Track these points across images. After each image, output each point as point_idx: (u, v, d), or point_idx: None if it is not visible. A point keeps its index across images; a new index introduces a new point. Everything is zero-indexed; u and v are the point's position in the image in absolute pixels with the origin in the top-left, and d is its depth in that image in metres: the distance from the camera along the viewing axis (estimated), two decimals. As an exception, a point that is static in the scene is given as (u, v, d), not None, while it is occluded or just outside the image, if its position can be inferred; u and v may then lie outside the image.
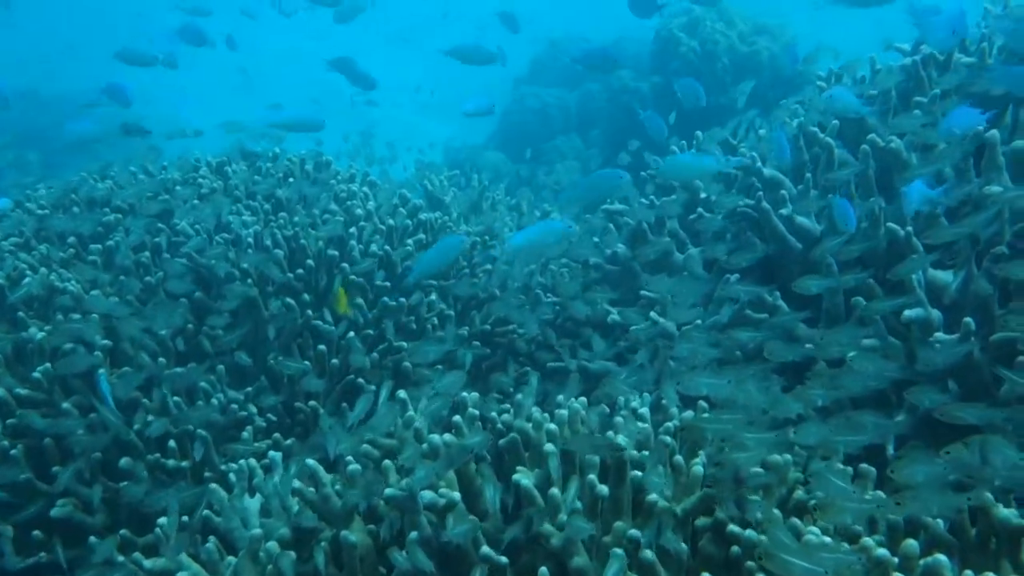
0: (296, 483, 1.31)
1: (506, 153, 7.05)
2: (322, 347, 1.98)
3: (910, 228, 1.66)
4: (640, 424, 1.32)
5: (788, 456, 1.31)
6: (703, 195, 2.14)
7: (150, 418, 1.78)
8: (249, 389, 1.96)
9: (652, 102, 5.21)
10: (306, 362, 1.96)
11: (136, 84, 3.28)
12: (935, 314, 1.58)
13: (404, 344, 2.03)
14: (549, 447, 1.24)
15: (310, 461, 1.33)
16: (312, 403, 1.93)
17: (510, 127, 7.37)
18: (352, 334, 2.04)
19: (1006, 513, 1.08)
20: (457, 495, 1.21)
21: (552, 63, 7.88)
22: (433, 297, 2.19)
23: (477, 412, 1.40)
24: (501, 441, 1.31)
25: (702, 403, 1.44)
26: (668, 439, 1.29)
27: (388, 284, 2.17)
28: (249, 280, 2.03)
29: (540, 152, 6.63)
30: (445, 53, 3.21)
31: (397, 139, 10.14)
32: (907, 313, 1.56)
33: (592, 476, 1.17)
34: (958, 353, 1.38)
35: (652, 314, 1.89)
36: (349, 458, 1.33)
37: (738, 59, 5.00)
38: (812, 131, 1.96)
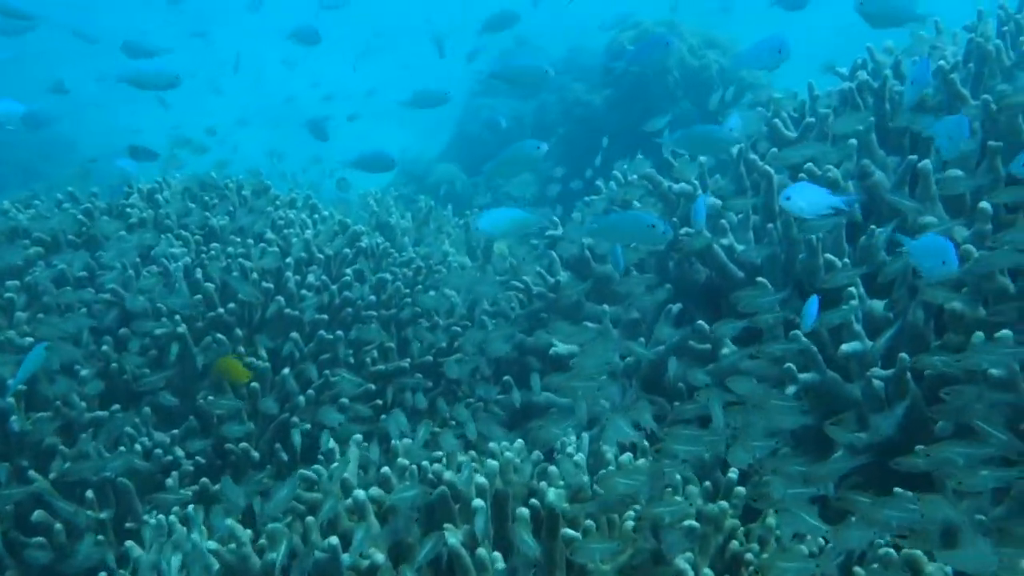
0: (212, 544, 1.24)
1: (461, 164, 7.00)
2: (255, 384, 1.91)
3: (847, 260, 1.65)
4: (575, 475, 1.28)
5: (724, 504, 1.28)
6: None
7: (67, 465, 1.69)
8: (176, 431, 1.88)
9: (604, 115, 5.21)
10: (239, 400, 1.88)
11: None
12: (871, 345, 1.56)
13: (344, 377, 1.97)
14: (478, 503, 1.19)
15: (228, 520, 1.26)
16: (243, 444, 1.85)
17: (465, 138, 7.33)
18: (287, 370, 1.97)
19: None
20: (381, 557, 1.15)
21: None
22: (374, 327, 2.13)
23: (408, 463, 1.35)
24: (431, 495, 1.26)
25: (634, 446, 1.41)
26: (623, 481, 1.25)
27: (325, 317, 2.10)
28: (177, 316, 1.95)
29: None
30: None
31: (353, 151, 10.01)
32: (844, 347, 1.54)
33: (524, 534, 1.12)
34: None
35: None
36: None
37: (688, 72, 5.02)
38: (752, 159, 1.95)
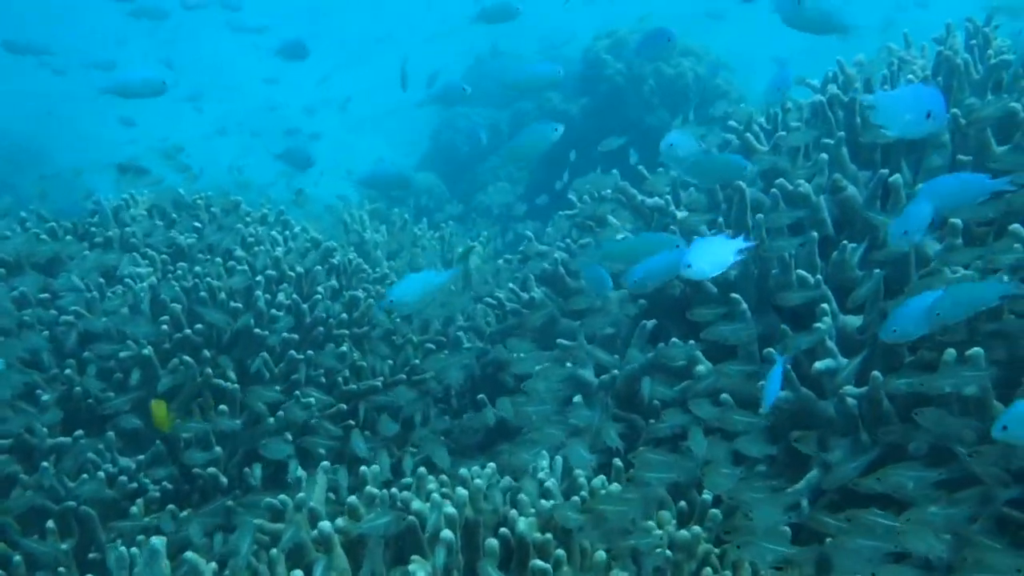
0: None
1: (439, 174, 6.97)
2: (223, 407, 1.87)
3: (819, 276, 1.65)
4: (545, 502, 1.26)
5: (697, 528, 1.26)
6: (620, 236, 2.10)
7: (29, 493, 1.65)
8: (142, 457, 1.83)
9: (581, 124, 5.20)
10: (206, 423, 1.84)
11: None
12: (845, 363, 1.56)
13: (312, 400, 1.94)
14: (446, 534, 1.17)
15: (189, 555, 1.23)
16: (211, 469, 1.81)
17: (441, 148, 7.30)
18: (256, 391, 1.93)
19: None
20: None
21: (481, 81, 7.85)
22: (344, 348, 2.10)
23: (376, 491, 1.32)
24: (397, 526, 1.23)
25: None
26: (573, 516, 1.23)
27: (296, 336, 2.07)
28: (142, 339, 1.90)
29: (472, 173, 6.58)
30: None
31: (330, 162, 9.96)
32: (817, 365, 1.54)
33: (490, 570, 1.10)
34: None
35: (568, 365, 1.84)
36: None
37: (664, 81, 5.03)
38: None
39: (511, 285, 2.14)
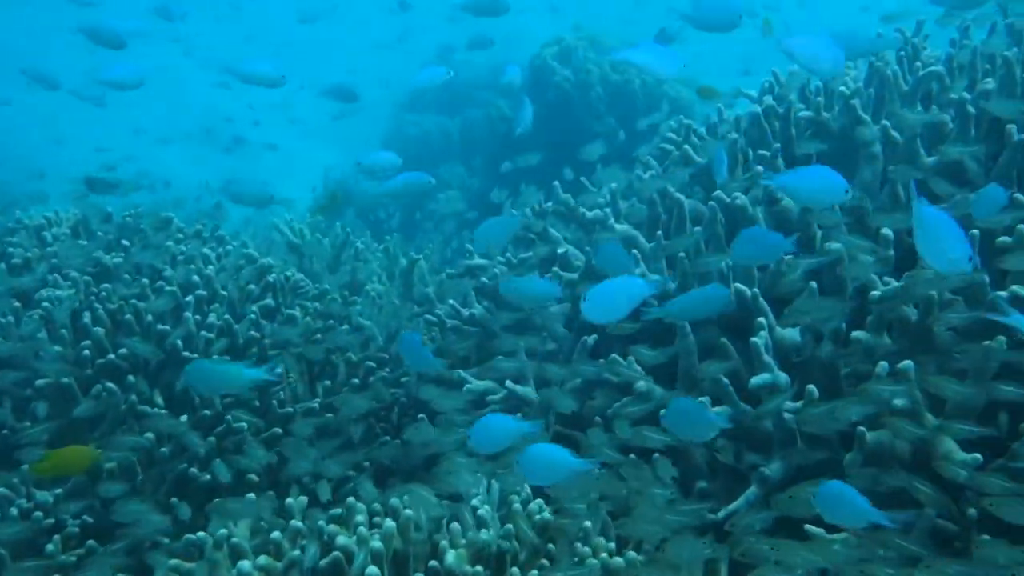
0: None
1: (388, 182, 6.89)
2: (150, 435, 1.79)
3: (756, 290, 1.64)
4: (481, 532, 1.22)
5: (633, 554, 1.23)
6: (560, 250, 2.07)
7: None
8: (60, 490, 1.74)
9: (529, 132, 5.18)
10: (131, 453, 1.76)
11: None
12: (783, 378, 1.55)
13: (244, 425, 1.87)
14: (371, 571, 1.12)
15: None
16: (134, 505, 1.73)
17: (392, 155, 7.23)
18: (184, 417, 1.85)
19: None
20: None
21: (432, 88, 7.80)
22: (280, 370, 2.03)
23: (301, 525, 1.26)
24: (322, 562, 1.18)
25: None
26: (508, 544, 1.19)
27: (227, 358, 1.99)
28: (61, 365, 1.82)
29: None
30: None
31: (279, 171, 9.80)
32: (754, 380, 1.52)
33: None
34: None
35: (508, 383, 1.80)
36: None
37: (611, 88, 5.05)
38: (663, 186, 1.93)
39: (451, 301, 2.09)
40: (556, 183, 2.29)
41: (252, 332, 2.04)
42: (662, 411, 1.41)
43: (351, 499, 1.32)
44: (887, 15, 2.06)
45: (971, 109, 1.64)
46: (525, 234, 2.21)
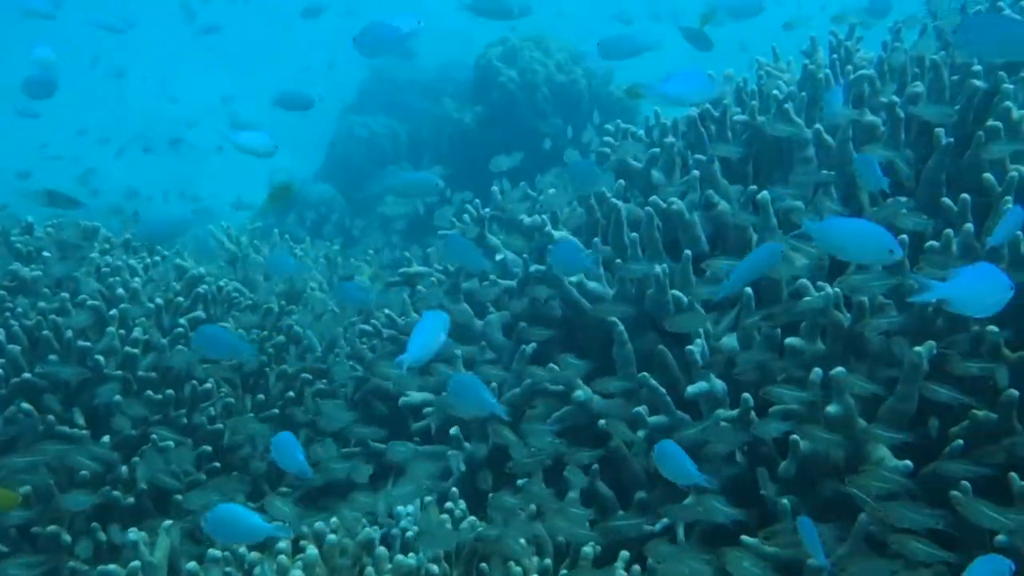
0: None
1: (335, 185, 6.77)
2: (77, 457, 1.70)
3: (691, 297, 1.63)
4: (409, 556, 1.18)
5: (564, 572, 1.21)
6: (499, 256, 2.04)
7: None
8: (-30, 521, 1.65)
9: (476, 133, 5.14)
10: (48, 477, 1.67)
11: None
12: (719, 385, 1.54)
13: (170, 444, 1.79)
14: (291, 603, 1.07)
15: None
16: (52, 528, 1.64)
17: (338, 158, 7.11)
18: (106, 438, 1.77)
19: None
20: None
21: (379, 89, 7.70)
22: (209, 385, 1.95)
23: (220, 554, 1.20)
24: (242, 593, 1.12)
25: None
26: (437, 569, 1.15)
27: (154, 375, 1.91)
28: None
29: (371, 183, 6.42)
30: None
31: (222, 176, 9.57)
32: (690, 389, 1.51)
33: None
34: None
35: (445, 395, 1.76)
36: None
37: (557, 88, 5.03)
38: (601, 192, 1.91)
39: (387, 311, 2.04)
40: (495, 188, 2.26)
41: (180, 346, 1.96)
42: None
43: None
44: (836, 15, 2.08)
45: (901, 113, 1.65)
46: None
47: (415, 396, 1.80)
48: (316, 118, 9.62)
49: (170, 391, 1.88)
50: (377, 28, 2.07)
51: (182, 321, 2.07)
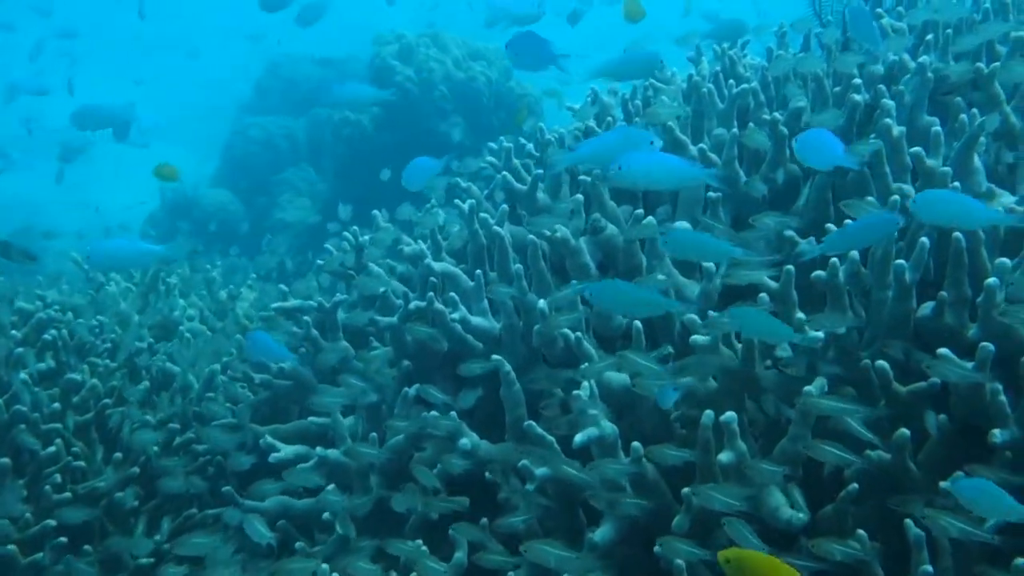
0: None
1: (232, 189, 6.43)
2: None
3: (578, 334, 1.52)
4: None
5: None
6: (382, 289, 1.89)
7: None
8: None
9: (374, 135, 4.94)
10: None
11: None
12: (609, 430, 1.44)
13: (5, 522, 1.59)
14: None
15: None
16: None
17: (235, 161, 6.76)
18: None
19: None
20: None
21: (276, 86, 7.37)
22: (54, 448, 1.74)
23: None
24: None
25: None
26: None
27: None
28: None
29: (269, 187, 6.11)
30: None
31: (113, 181, 9.03)
32: (578, 438, 1.40)
33: None
34: None
35: (319, 449, 1.61)
36: None
37: (456, 86, 4.88)
38: (483, 217, 1.78)
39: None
40: (376, 212, 2.11)
41: (17, 407, 1.74)
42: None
43: None
44: (680, 37, 2.01)
45: (784, 130, 1.59)
46: (343, 270, 2.01)
47: (286, 451, 1.64)
48: (221, 116, 9.13)
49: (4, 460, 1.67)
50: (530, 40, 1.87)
51: (23, 375, 1.84)
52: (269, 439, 1.67)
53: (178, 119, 10.76)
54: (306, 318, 1.81)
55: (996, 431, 1.13)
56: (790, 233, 1.51)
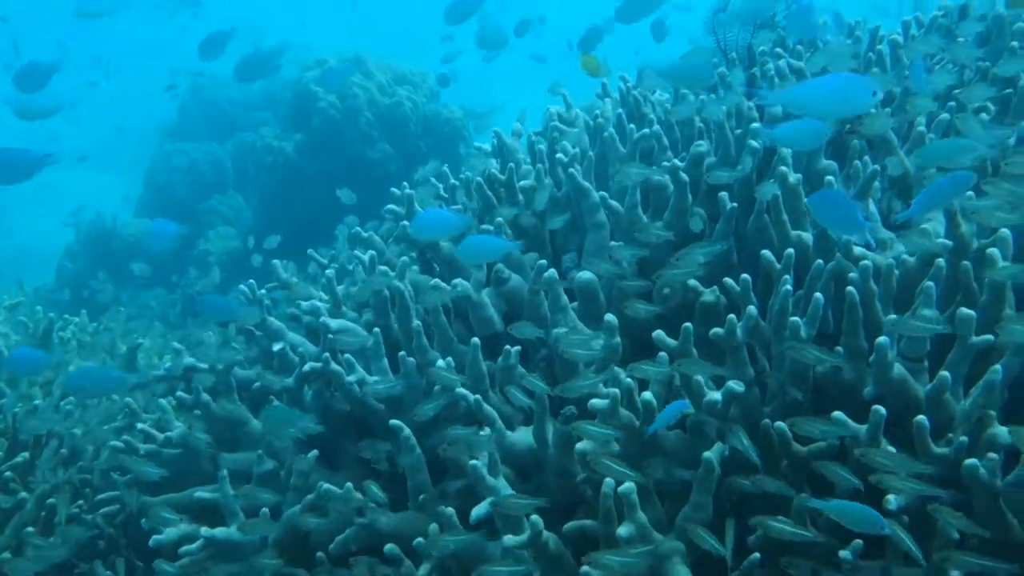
0: None
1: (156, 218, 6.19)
2: None
3: (479, 396, 1.46)
4: None
5: None
6: (277, 346, 1.79)
7: None
8: None
9: (298, 163, 4.82)
10: None
11: None
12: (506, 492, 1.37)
13: None
14: None
15: None
16: None
17: (158, 189, 6.54)
18: None
19: None
20: None
21: (200, 109, 7.17)
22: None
23: None
24: None
25: None
26: None
27: None
28: None
29: (196, 215, 5.90)
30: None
31: (38, 202, 8.65)
32: (475, 512, 1.34)
33: None
34: None
35: (204, 530, 1.51)
36: None
37: (381, 112, 4.80)
38: (383, 269, 1.70)
39: (142, 424, 1.74)
40: (276, 262, 2.01)
41: None
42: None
43: None
44: (551, 86, 1.97)
45: (684, 177, 1.55)
46: (250, 329, 1.91)
47: (170, 534, 1.52)
48: (133, 141, 8.78)
49: None
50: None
51: None
52: (152, 519, 1.56)
53: (107, 142, 10.39)
54: (202, 386, 1.71)
55: (891, 497, 1.10)
56: (694, 283, 1.48)
